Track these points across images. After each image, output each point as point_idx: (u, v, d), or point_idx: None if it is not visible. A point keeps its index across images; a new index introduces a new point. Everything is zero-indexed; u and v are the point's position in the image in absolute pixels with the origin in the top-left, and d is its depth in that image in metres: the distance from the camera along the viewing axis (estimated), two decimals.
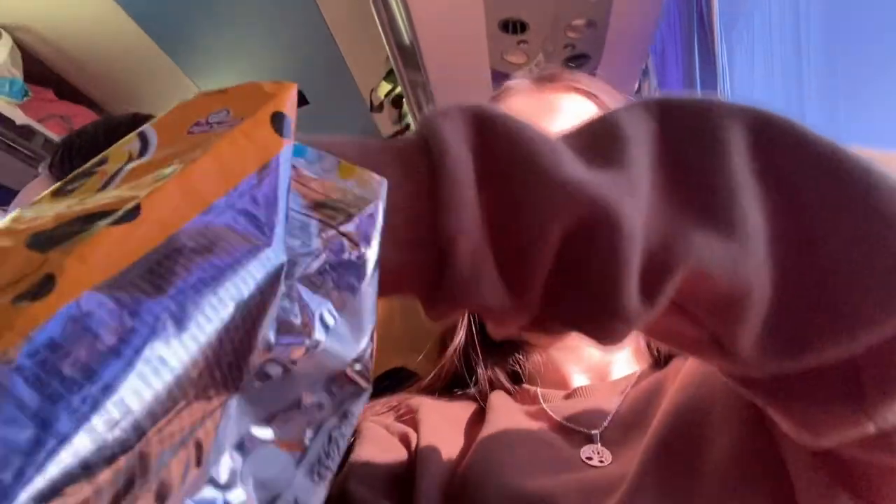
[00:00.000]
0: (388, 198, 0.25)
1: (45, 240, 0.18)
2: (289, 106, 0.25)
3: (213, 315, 0.18)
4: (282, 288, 0.21)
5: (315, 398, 0.21)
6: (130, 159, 0.22)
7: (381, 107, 2.07)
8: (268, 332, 0.20)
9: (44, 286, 0.16)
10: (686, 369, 0.51)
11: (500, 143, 0.25)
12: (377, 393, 0.64)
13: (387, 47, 1.57)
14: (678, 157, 0.26)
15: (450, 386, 0.63)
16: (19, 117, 1.89)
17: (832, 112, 1.18)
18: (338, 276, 0.23)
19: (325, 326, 0.21)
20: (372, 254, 0.24)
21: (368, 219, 0.24)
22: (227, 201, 0.20)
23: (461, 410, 0.58)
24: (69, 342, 0.16)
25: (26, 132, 1.93)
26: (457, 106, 0.27)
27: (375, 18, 1.46)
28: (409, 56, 1.58)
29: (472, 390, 0.61)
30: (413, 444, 0.53)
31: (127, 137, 0.24)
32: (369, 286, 0.23)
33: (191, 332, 0.18)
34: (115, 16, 1.96)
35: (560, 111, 0.60)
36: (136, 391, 0.16)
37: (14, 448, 0.14)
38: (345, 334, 0.22)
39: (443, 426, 0.55)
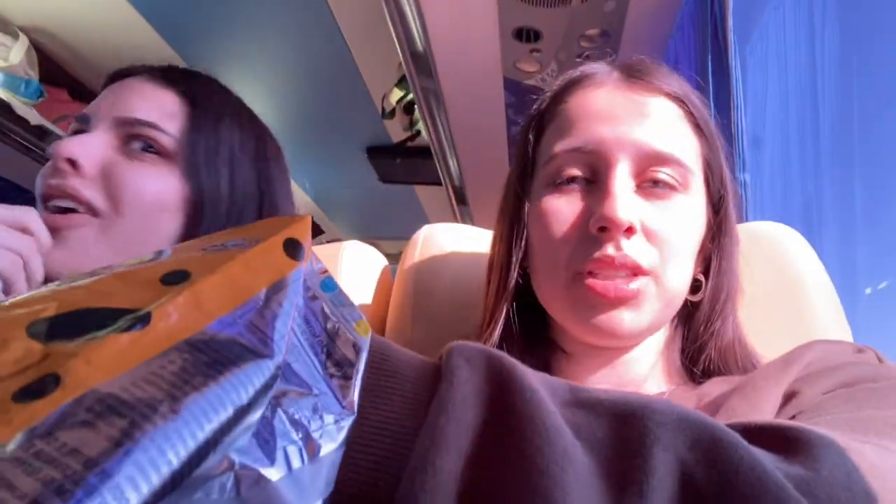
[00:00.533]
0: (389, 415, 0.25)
1: (48, 329, 0.19)
2: (302, 233, 0.26)
3: (213, 417, 0.19)
4: (268, 399, 0.21)
5: None
6: (141, 262, 0.23)
7: (392, 113, 2.07)
8: (237, 440, 0.20)
9: (47, 386, 0.16)
10: (732, 404, 0.48)
11: (511, 441, 0.24)
12: None
13: (400, 54, 1.57)
14: None
15: None
16: (34, 117, 1.91)
17: (846, 127, 1.17)
18: (319, 426, 0.22)
19: (289, 465, 0.21)
20: (350, 420, 0.24)
21: (360, 388, 0.25)
22: (233, 316, 0.21)
23: None
24: (72, 439, 0.16)
25: (40, 132, 1.95)
26: (480, 370, 0.26)
27: (389, 25, 1.47)
28: (421, 63, 1.59)
29: None
30: None
31: (146, 255, 0.24)
32: (337, 452, 0.23)
33: (190, 429, 0.18)
34: (131, 18, 1.97)
35: (647, 117, 0.56)
36: (132, 479, 0.16)
37: None
38: (304, 484, 0.21)
39: None
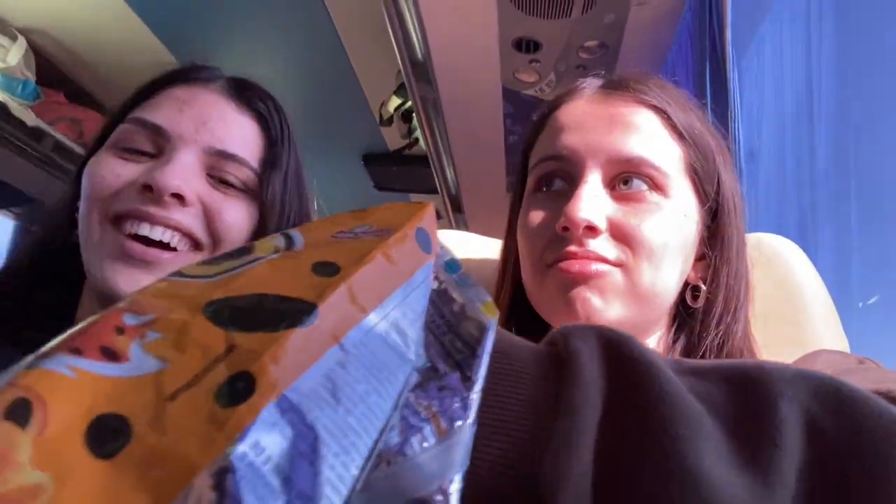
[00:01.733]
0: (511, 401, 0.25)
1: (224, 314, 0.19)
2: (430, 223, 0.26)
3: (378, 426, 0.20)
4: (405, 395, 0.22)
5: None
6: (276, 251, 0.24)
7: (390, 120, 2.08)
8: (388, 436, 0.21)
9: (244, 389, 0.17)
10: None
11: (636, 417, 0.24)
12: None
13: (399, 62, 1.58)
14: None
15: None
16: (30, 119, 1.90)
17: (842, 137, 1.18)
18: (447, 405, 0.23)
19: (419, 446, 0.21)
20: (478, 397, 0.24)
21: (486, 369, 0.24)
22: (382, 312, 0.21)
23: None
24: (271, 448, 0.17)
25: (37, 134, 1.94)
26: (600, 356, 0.26)
27: (390, 33, 1.48)
28: (421, 71, 1.60)
29: None
30: None
31: (271, 236, 0.25)
32: (468, 428, 0.23)
33: (364, 440, 0.19)
34: (130, 22, 1.97)
35: (619, 125, 0.58)
36: (328, 498, 0.17)
37: None
38: (434, 463, 0.22)
39: None
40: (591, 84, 0.64)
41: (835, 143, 1.19)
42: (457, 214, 2.38)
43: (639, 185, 0.57)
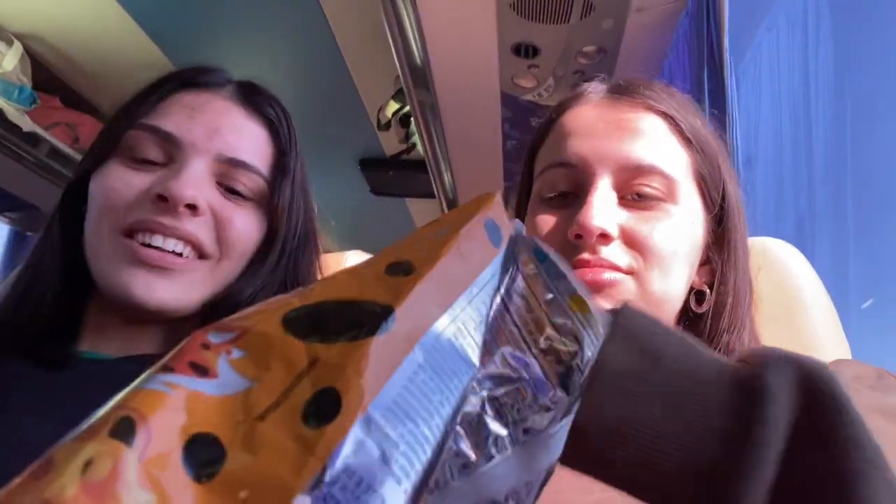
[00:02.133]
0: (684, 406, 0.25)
1: (304, 323, 0.20)
2: (499, 214, 0.26)
3: (443, 429, 0.20)
4: (469, 398, 0.22)
5: None
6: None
7: (388, 125, 2.08)
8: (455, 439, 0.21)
9: (331, 406, 0.18)
10: None
11: (820, 462, 0.24)
12: None
13: (398, 67, 1.58)
14: None
15: None
16: (26, 124, 1.89)
17: (839, 144, 1.19)
18: (527, 411, 0.23)
19: (497, 451, 0.21)
20: (565, 400, 0.24)
21: (577, 369, 0.24)
22: (451, 315, 0.22)
23: None
24: (360, 468, 0.17)
25: (32, 139, 1.93)
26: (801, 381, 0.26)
27: (388, 37, 1.48)
28: (419, 76, 1.60)
29: None
30: None
31: None
32: (553, 431, 0.23)
33: (435, 449, 0.19)
34: (127, 27, 1.97)
35: (628, 131, 0.58)
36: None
37: None
38: (514, 466, 0.22)
39: None
40: (596, 89, 0.64)
41: (831, 148, 1.20)
42: None
43: (649, 193, 0.57)
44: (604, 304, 0.54)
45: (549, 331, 0.25)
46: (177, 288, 0.58)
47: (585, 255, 0.54)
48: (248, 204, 0.63)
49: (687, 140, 0.60)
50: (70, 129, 2.20)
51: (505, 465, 0.21)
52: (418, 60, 1.55)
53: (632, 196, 0.57)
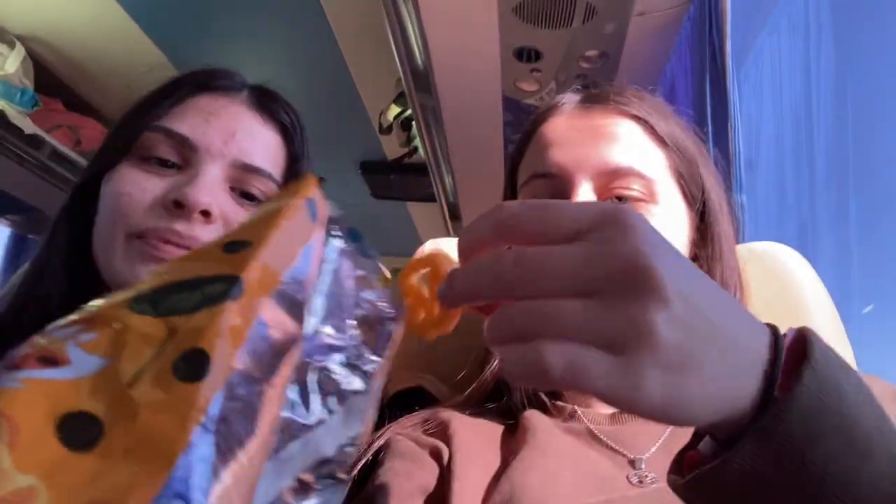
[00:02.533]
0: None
1: (155, 303, 0.21)
2: (317, 194, 0.29)
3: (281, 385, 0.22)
4: (295, 362, 0.24)
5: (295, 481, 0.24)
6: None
7: (389, 129, 2.08)
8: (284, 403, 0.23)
9: (199, 363, 0.19)
10: None
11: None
12: (398, 410, 0.64)
13: (400, 70, 1.58)
14: None
15: (481, 402, 0.62)
16: (28, 126, 1.90)
17: (841, 148, 1.19)
18: (347, 374, 0.25)
19: (325, 414, 0.24)
20: (379, 366, 0.27)
21: (387, 335, 0.27)
22: (283, 283, 0.24)
23: (493, 425, 0.58)
24: (228, 412, 0.19)
25: (34, 141, 1.94)
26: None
27: (390, 41, 1.48)
28: (421, 80, 1.60)
29: (503, 403, 0.61)
30: (445, 458, 0.52)
31: None
32: (368, 395, 0.26)
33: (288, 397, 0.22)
34: (129, 30, 1.97)
35: (603, 137, 0.59)
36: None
37: None
38: (336, 425, 0.25)
39: (476, 441, 0.54)
40: (570, 99, 0.65)
41: (833, 152, 1.20)
42: (455, 223, 2.38)
43: (629, 195, 0.58)
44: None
45: (363, 302, 0.27)
46: None
47: None
48: None
49: (661, 140, 0.61)
50: (72, 132, 2.20)
51: (333, 424, 0.24)
52: (420, 64, 1.55)
53: (612, 200, 0.58)
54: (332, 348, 0.25)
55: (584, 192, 0.57)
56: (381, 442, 0.57)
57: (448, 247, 0.89)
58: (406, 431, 0.57)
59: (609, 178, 0.57)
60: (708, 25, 1.25)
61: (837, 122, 1.18)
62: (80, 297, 0.60)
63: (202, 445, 0.17)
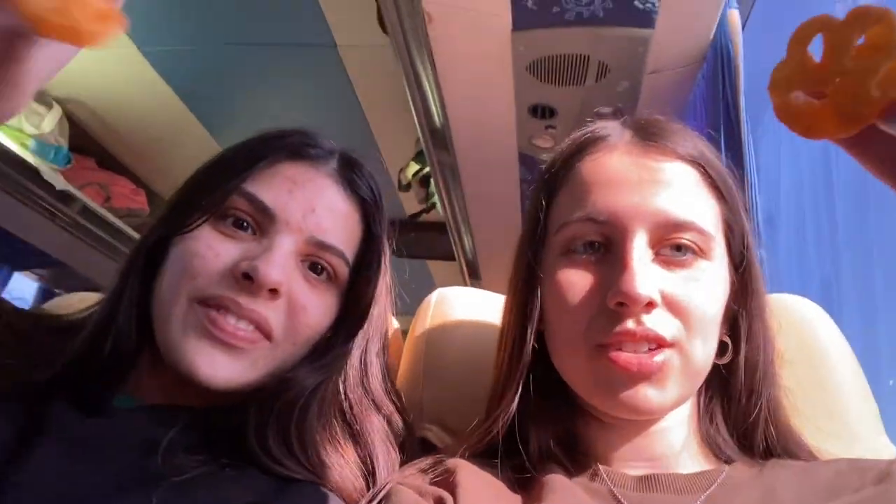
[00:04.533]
0: None
1: None
2: None
3: None
4: None
5: None
6: None
7: (408, 186, 2.11)
8: None
9: None
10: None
11: None
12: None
13: (418, 129, 1.62)
14: None
15: (488, 453, 0.59)
16: (60, 183, 1.96)
17: (861, 204, 1.17)
18: None
19: None
20: None
21: None
22: None
23: (504, 477, 0.55)
24: None
25: (65, 198, 1.99)
26: None
27: (409, 101, 1.52)
28: (439, 138, 1.63)
29: (515, 456, 0.58)
30: None
31: None
32: None
33: None
34: (162, 93, 2.06)
35: (663, 184, 0.54)
36: None
37: None
38: None
39: (484, 493, 0.52)
40: (616, 132, 0.60)
41: (852, 209, 1.18)
42: (474, 281, 2.38)
43: (687, 247, 0.54)
44: (651, 390, 0.51)
45: None
46: (239, 366, 0.57)
47: (630, 326, 0.51)
48: (327, 286, 0.62)
49: (716, 189, 0.57)
50: (102, 189, 2.27)
51: None
52: (438, 123, 1.58)
53: (667, 252, 0.54)
54: None
55: (640, 245, 0.53)
56: (383, 493, 0.55)
57: (457, 295, 0.88)
58: (409, 481, 0.55)
59: (667, 230, 0.53)
60: (721, 82, 1.26)
61: (856, 176, 1.17)
62: (137, 350, 0.60)
63: None
